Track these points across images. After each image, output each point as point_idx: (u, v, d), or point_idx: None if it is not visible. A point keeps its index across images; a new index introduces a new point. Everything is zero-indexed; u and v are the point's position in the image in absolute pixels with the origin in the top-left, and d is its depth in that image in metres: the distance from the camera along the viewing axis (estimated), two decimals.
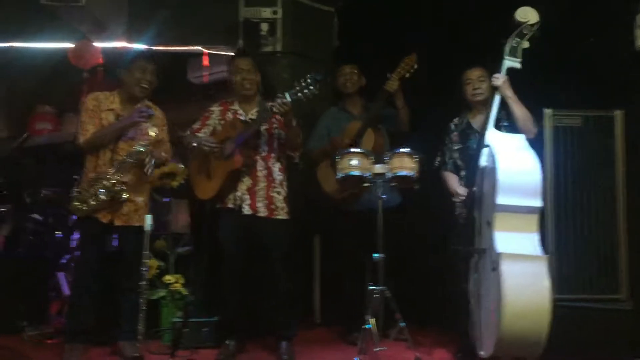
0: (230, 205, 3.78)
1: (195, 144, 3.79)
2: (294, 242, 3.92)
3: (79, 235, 3.85)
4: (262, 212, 3.77)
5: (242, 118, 3.85)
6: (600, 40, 4.06)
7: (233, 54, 4.24)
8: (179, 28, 4.99)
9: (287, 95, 3.52)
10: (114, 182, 3.50)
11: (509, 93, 3.55)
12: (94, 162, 3.61)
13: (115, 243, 3.70)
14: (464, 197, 3.69)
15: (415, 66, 3.96)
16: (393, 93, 4.02)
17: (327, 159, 4.15)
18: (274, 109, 3.55)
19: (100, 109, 3.63)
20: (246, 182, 3.78)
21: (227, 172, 3.74)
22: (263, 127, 3.78)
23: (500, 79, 3.52)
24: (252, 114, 3.85)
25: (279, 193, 3.82)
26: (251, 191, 3.77)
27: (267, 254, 3.80)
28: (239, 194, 3.77)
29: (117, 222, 3.60)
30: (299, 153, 3.94)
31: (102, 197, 3.51)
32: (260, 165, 3.80)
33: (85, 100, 3.66)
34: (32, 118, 6.40)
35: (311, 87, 3.50)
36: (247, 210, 3.75)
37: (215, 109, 3.94)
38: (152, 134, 3.48)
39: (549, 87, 4.08)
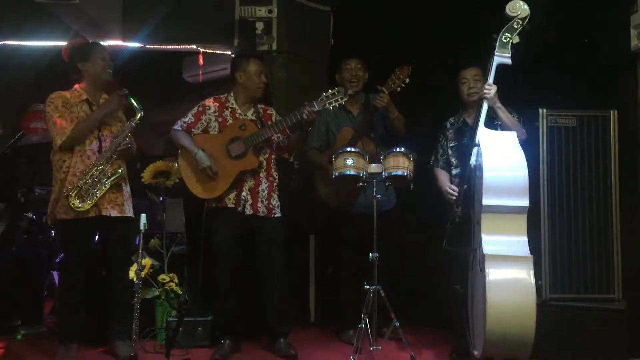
0: (230, 205, 3.81)
1: (198, 158, 3.77)
2: (288, 239, 3.97)
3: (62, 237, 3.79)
4: (262, 212, 3.84)
5: (252, 118, 3.90)
6: (595, 40, 4.06)
7: (246, 52, 4.25)
8: (174, 27, 4.97)
9: (315, 104, 3.67)
10: (111, 169, 3.55)
11: (499, 104, 3.56)
12: (78, 156, 3.60)
13: (96, 240, 3.76)
14: (455, 196, 3.69)
15: (407, 80, 3.79)
16: (384, 108, 3.92)
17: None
18: (304, 116, 3.66)
19: (70, 104, 3.62)
20: (249, 182, 3.83)
21: (239, 172, 3.78)
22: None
23: (491, 91, 3.50)
24: (251, 114, 3.92)
25: (275, 192, 3.91)
26: (253, 192, 3.83)
27: (264, 252, 3.83)
28: (243, 194, 3.81)
29: (105, 213, 3.59)
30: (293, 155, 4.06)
31: (106, 186, 3.52)
32: (262, 166, 3.87)
33: (51, 100, 3.61)
34: (27, 116, 6.38)
35: (339, 100, 3.69)
36: (248, 210, 3.81)
37: (211, 104, 3.95)
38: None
39: (544, 87, 4.09)
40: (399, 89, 3.83)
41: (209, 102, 3.96)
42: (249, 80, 3.90)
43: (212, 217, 3.89)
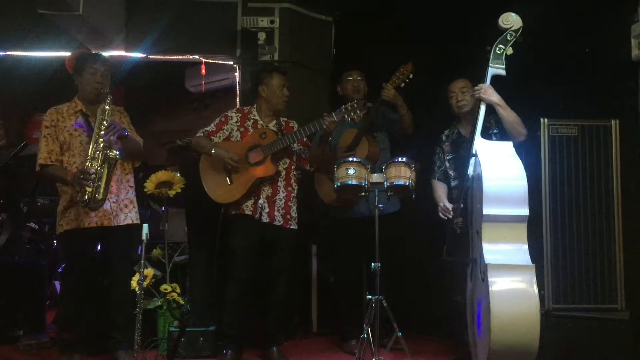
0: (248, 212, 3.83)
1: (215, 154, 3.82)
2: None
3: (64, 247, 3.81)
4: (278, 222, 3.86)
5: (274, 129, 3.94)
6: (596, 50, 4.07)
7: (271, 67, 4.25)
8: (176, 37, 5.00)
9: (333, 114, 3.74)
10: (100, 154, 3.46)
11: (495, 99, 3.52)
12: (70, 151, 3.60)
13: (98, 250, 3.75)
14: (448, 212, 3.74)
15: (411, 76, 3.88)
16: (392, 101, 3.99)
17: (322, 164, 4.15)
18: (324, 125, 3.74)
19: (60, 121, 3.61)
20: (266, 190, 3.86)
21: (256, 179, 3.81)
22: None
23: (481, 89, 3.49)
24: (272, 125, 3.97)
25: (294, 204, 3.94)
26: (270, 200, 3.85)
27: (275, 262, 3.87)
28: (260, 201, 3.83)
29: (106, 223, 3.59)
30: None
31: (102, 169, 3.45)
32: (280, 175, 3.90)
33: (45, 117, 3.65)
34: (30, 126, 6.41)
35: (358, 111, 3.76)
36: (265, 218, 3.83)
37: (234, 115, 4.00)
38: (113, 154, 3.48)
39: (546, 97, 4.10)
40: (402, 84, 3.91)
41: (232, 112, 4.02)
42: (272, 93, 3.95)
43: (230, 223, 3.92)
